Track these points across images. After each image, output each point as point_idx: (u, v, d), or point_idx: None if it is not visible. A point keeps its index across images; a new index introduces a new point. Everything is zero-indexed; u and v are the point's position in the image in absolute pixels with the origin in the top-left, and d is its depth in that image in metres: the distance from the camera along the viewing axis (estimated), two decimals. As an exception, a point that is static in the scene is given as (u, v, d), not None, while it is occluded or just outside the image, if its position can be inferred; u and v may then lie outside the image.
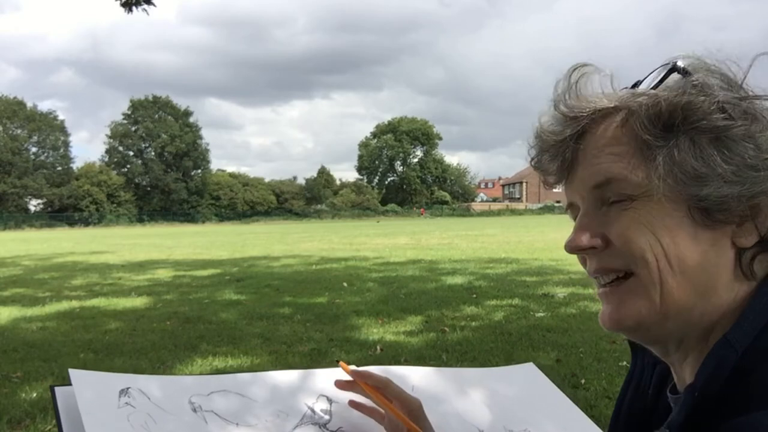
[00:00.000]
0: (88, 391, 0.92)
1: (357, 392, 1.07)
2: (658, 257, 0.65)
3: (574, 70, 0.72)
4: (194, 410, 0.96)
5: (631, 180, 0.66)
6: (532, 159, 0.76)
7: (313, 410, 1.04)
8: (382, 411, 1.06)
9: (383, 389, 1.03)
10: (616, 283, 0.69)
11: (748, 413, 0.58)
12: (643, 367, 0.82)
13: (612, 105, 0.69)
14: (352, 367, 1.07)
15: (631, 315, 0.68)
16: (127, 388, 0.95)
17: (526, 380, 1.27)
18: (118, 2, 9.42)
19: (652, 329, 0.68)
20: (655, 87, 0.69)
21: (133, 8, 9.53)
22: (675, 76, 0.68)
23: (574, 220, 0.74)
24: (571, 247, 0.71)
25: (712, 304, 0.66)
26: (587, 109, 0.69)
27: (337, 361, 1.09)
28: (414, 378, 1.16)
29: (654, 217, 0.66)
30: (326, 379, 1.10)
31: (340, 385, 1.06)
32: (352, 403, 1.08)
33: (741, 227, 0.66)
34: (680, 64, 0.68)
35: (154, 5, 9.65)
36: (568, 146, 0.71)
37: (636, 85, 0.72)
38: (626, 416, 0.81)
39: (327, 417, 1.04)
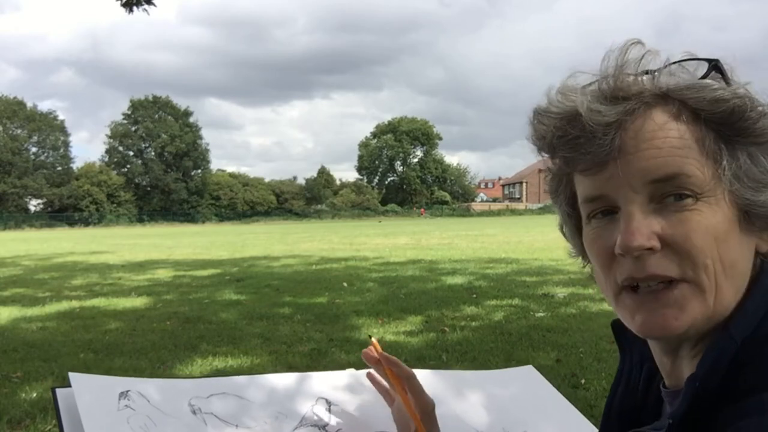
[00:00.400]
0: (88, 395, 0.92)
1: (378, 371, 1.09)
2: (714, 262, 0.63)
3: (631, 44, 0.66)
4: (194, 412, 0.97)
5: (700, 178, 0.63)
6: (557, 142, 0.67)
7: (312, 413, 1.05)
8: (393, 396, 1.07)
9: (405, 381, 1.04)
10: (663, 286, 0.64)
11: (754, 396, 0.58)
12: (632, 366, 0.82)
13: (661, 92, 0.65)
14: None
15: (687, 321, 0.64)
16: (127, 391, 0.95)
17: (525, 382, 1.27)
18: (119, 2, 9.41)
19: (697, 332, 0.66)
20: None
21: (134, 8, 9.52)
22: (712, 74, 0.66)
23: (588, 216, 0.69)
24: (631, 248, 0.63)
25: (734, 303, 0.66)
26: (641, 91, 0.64)
27: (369, 336, 1.11)
28: None
29: (717, 220, 0.63)
30: (325, 382, 1.10)
31: (367, 357, 1.07)
32: (370, 376, 1.10)
33: (764, 232, 0.66)
34: (721, 62, 0.66)
35: (154, 5, 9.64)
36: (617, 131, 0.63)
37: (647, 72, 0.67)
38: (617, 414, 0.82)
39: (326, 419, 1.05)
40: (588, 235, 0.70)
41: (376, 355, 1.06)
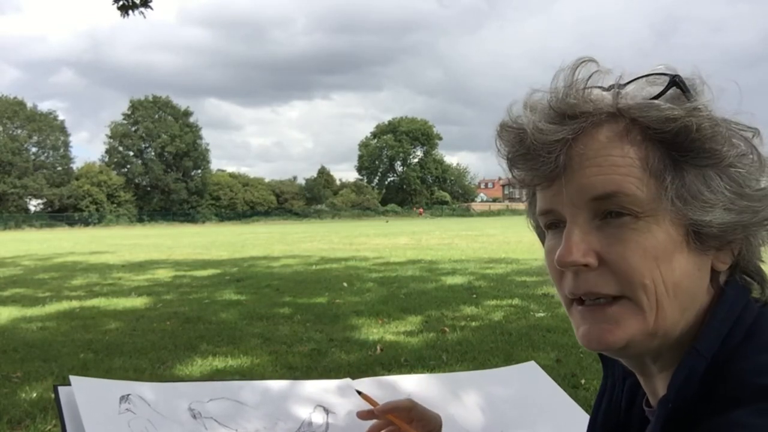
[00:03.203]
0: (90, 398, 0.93)
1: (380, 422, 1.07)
2: (656, 283, 0.63)
3: (581, 63, 0.66)
4: (194, 417, 0.97)
5: (639, 197, 0.63)
6: (512, 157, 0.68)
7: (310, 420, 1.05)
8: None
9: (409, 412, 1.03)
10: (605, 302, 0.66)
11: (722, 414, 0.58)
12: (614, 381, 0.82)
13: (613, 110, 0.64)
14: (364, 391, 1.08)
15: (623, 337, 0.65)
16: (128, 395, 0.96)
17: (527, 380, 1.27)
18: (115, 6, 9.39)
19: (638, 348, 0.67)
20: (656, 98, 0.65)
21: (130, 12, 9.50)
22: (672, 90, 0.65)
23: (545, 227, 0.71)
24: (565, 263, 0.65)
25: (689, 321, 0.66)
26: (591, 110, 0.64)
27: (359, 393, 1.09)
28: (408, 386, 1.16)
29: (657, 240, 0.63)
30: (323, 389, 1.11)
31: (362, 416, 1.06)
32: (363, 414, 1.07)
33: (720, 252, 0.66)
34: (682, 78, 0.65)
35: (151, 8, 9.62)
36: (562, 149, 0.64)
37: (613, 87, 0.67)
38: (601, 428, 0.81)
39: (323, 427, 1.05)
40: (545, 247, 0.72)
41: (370, 408, 1.06)
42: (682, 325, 0.66)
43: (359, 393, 1.08)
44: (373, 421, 1.07)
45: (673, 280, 0.63)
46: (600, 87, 0.67)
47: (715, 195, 0.63)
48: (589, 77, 0.66)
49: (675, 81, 0.65)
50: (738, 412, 0.57)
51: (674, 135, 0.63)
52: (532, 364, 1.31)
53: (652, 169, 0.63)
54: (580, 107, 0.64)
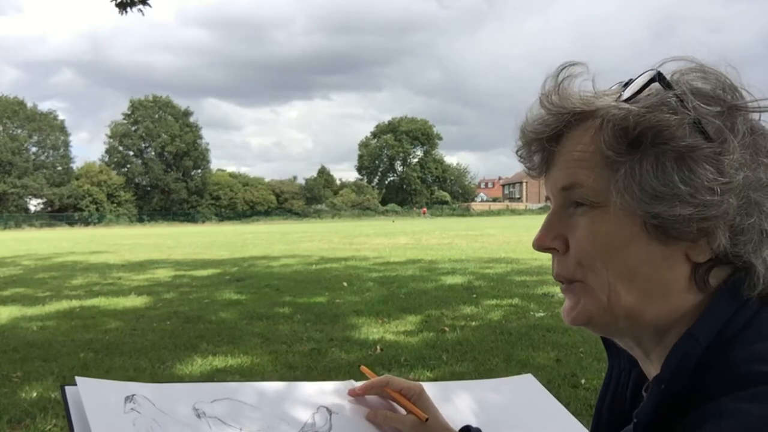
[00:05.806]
0: (95, 398, 0.94)
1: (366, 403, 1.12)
2: (607, 266, 0.68)
3: (563, 68, 0.72)
4: (198, 416, 0.98)
5: (591, 188, 0.69)
6: (517, 150, 0.77)
7: (313, 421, 1.06)
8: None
9: (387, 386, 1.09)
10: (573, 283, 0.73)
11: (713, 400, 0.59)
12: (620, 371, 0.83)
13: (590, 110, 0.69)
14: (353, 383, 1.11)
15: (583, 314, 0.72)
16: (133, 395, 0.97)
17: (522, 391, 1.26)
18: (113, 2, 9.38)
19: (603, 326, 0.72)
20: (635, 95, 0.68)
21: (128, 9, 9.50)
22: (657, 84, 0.67)
23: None
24: (537, 246, 0.74)
25: (664, 309, 0.68)
26: (566, 110, 0.70)
27: (359, 366, 1.15)
28: None
29: (609, 228, 0.68)
30: (327, 390, 1.12)
31: (354, 393, 1.11)
32: (372, 416, 1.11)
33: (695, 244, 0.66)
34: (664, 72, 0.68)
35: (149, 5, 9.62)
36: (544, 146, 0.73)
37: (627, 84, 0.71)
38: (606, 419, 0.82)
39: (327, 428, 1.06)
40: None
41: (370, 378, 1.11)
42: (652, 310, 0.68)
43: (359, 366, 1.13)
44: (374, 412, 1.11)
45: (627, 265, 0.68)
46: (619, 84, 0.72)
47: (667, 188, 0.64)
48: (564, 78, 0.72)
49: (654, 77, 0.68)
50: (729, 397, 0.58)
51: (628, 132, 0.66)
52: (528, 377, 1.30)
53: (608, 162, 0.68)
54: (560, 108, 0.71)
